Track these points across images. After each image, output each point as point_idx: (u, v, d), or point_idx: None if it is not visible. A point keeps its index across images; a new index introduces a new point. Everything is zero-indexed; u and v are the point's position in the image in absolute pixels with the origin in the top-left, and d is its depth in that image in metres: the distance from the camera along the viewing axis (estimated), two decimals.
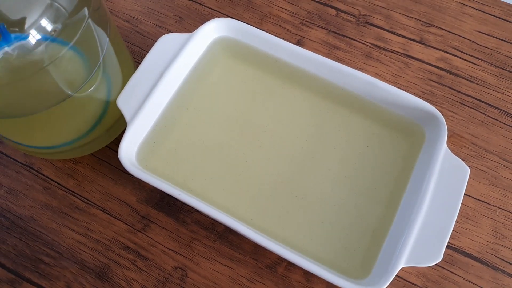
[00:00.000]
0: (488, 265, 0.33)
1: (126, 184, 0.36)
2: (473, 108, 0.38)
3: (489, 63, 0.40)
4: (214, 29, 0.35)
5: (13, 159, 0.37)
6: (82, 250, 0.34)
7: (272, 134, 0.33)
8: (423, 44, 0.41)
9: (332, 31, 0.42)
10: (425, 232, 0.28)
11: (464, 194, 0.34)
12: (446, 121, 0.34)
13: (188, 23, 0.43)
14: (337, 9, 0.43)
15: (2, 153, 0.37)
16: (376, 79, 0.33)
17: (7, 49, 0.25)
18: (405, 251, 0.28)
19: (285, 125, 0.33)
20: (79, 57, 0.30)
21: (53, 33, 0.26)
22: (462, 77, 0.40)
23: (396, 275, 0.32)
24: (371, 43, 0.41)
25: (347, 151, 0.33)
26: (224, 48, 0.36)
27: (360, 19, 0.43)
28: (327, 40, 0.42)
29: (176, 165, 0.32)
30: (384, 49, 0.41)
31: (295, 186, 0.32)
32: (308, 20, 0.43)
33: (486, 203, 0.35)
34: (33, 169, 0.37)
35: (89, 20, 0.28)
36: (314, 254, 0.30)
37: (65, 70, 0.29)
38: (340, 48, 0.41)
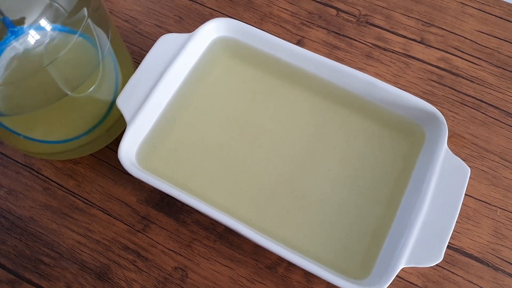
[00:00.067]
0: (488, 265, 0.33)
1: (126, 185, 0.36)
2: (474, 108, 0.38)
3: (489, 63, 0.40)
4: (214, 29, 0.35)
5: (13, 160, 0.37)
6: (82, 251, 0.34)
7: (272, 134, 0.33)
8: (423, 44, 0.41)
9: (333, 31, 0.42)
10: (426, 232, 0.28)
11: (465, 194, 0.34)
12: (446, 121, 0.34)
13: (188, 23, 0.43)
14: (338, 9, 0.43)
15: (2, 153, 0.37)
16: (376, 79, 0.33)
17: (14, 43, 0.25)
18: (405, 251, 0.28)
19: (285, 125, 0.33)
20: (79, 56, 0.30)
21: (52, 33, 0.26)
22: (463, 77, 0.40)
23: (397, 276, 0.32)
24: (371, 43, 0.41)
25: (347, 151, 0.33)
26: (224, 48, 0.36)
27: (361, 19, 0.42)
28: (328, 40, 0.41)
29: (176, 165, 0.32)
30: (385, 49, 0.41)
31: (295, 186, 0.32)
32: (309, 20, 0.42)
33: (487, 203, 0.35)
34: (33, 169, 0.37)
35: (89, 20, 0.28)
36: (314, 254, 0.30)
37: (65, 70, 0.29)
38: (341, 48, 0.41)
